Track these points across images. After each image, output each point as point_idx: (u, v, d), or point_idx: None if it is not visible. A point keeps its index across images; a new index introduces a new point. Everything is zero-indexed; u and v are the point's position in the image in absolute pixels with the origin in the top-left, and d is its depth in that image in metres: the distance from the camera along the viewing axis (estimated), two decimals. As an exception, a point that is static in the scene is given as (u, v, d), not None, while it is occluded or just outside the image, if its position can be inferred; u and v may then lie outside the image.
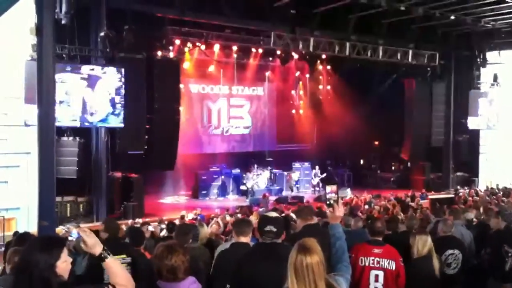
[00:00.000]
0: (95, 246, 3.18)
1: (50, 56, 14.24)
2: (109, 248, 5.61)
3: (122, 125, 17.25)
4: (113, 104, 17.07)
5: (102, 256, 3.19)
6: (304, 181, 25.59)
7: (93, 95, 16.83)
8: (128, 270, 5.53)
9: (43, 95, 14.10)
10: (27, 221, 14.59)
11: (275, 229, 4.13)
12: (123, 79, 17.12)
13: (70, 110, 16.47)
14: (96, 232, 7.91)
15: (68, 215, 17.26)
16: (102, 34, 16.78)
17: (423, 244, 5.69)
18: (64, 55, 16.31)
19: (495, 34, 23.32)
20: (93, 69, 16.84)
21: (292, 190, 24.11)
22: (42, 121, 14.14)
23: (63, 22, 15.42)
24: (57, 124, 14.57)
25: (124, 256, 5.59)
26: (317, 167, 25.14)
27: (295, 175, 24.63)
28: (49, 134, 14.25)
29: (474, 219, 9.36)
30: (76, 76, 16.51)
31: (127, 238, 7.65)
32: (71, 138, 16.67)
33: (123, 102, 17.17)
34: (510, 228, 7.55)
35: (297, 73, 27.31)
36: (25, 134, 15.42)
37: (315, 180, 24.55)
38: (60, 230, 14.17)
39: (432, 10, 19.37)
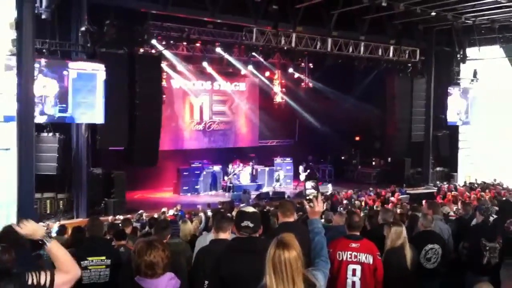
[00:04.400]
0: (35, 234, 3.31)
1: (30, 51, 14.16)
2: (90, 248, 5.64)
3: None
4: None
5: (41, 242, 3.32)
6: (286, 176, 25.67)
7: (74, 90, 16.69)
8: (107, 272, 5.56)
9: (23, 90, 14.01)
10: (7, 218, 14.43)
11: (251, 225, 4.15)
12: (104, 75, 17.00)
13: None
14: (78, 229, 7.90)
15: (48, 211, 17.13)
16: (83, 29, 16.62)
17: (397, 236, 5.74)
18: (44, 50, 16.13)
19: (475, 30, 23.52)
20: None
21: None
22: (21, 116, 14.05)
23: (43, 16, 15.29)
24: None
25: (103, 258, 5.59)
26: (304, 164, 25.22)
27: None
28: (28, 130, 14.18)
29: (452, 213, 9.48)
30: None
31: (107, 235, 7.66)
32: (51, 134, 16.52)
33: (104, 98, 17.04)
34: (488, 222, 7.67)
35: (279, 69, 27.36)
36: (4, 129, 15.23)
37: (302, 176, 24.54)
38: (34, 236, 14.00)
39: (413, 6, 19.48)
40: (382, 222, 7.10)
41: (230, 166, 24.15)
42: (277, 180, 24.39)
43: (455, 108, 25.73)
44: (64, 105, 16.64)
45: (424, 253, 6.41)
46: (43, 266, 5.96)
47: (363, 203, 16.72)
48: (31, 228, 3.30)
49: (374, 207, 14.93)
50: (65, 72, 16.60)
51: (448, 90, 25.50)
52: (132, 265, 3.54)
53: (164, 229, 6.03)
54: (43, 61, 16.18)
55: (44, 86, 16.22)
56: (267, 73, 26.98)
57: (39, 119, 16.09)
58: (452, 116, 25.75)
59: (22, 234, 3.28)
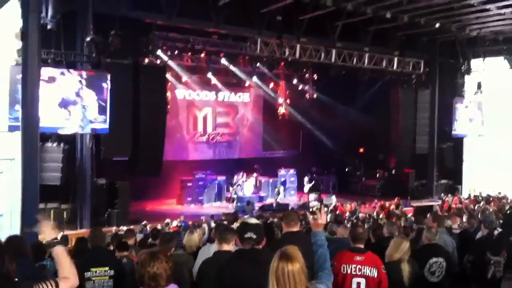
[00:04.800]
0: (48, 234, 3.71)
1: (35, 61, 14.21)
2: (94, 259, 5.63)
3: (107, 128, 17.21)
4: (99, 109, 17.02)
5: (52, 244, 3.59)
6: (290, 188, 25.62)
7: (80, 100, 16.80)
8: (110, 283, 5.54)
9: (28, 100, 14.05)
10: (10, 228, 14.46)
11: (255, 236, 4.12)
12: (109, 85, 17.07)
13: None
14: (81, 239, 7.90)
15: (52, 222, 17.08)
16: (88, 39, 16.68)
17: (395, 249, 5.70)
18: (49, 60, 16.20)
19: (479, 42, 23.56)
20: (80, 74, 16.80)
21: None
22: (26, 127, 14.08)
23: (48, 26, 15.37)
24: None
25: (107, 268, 5.57)
26: (309, 175, 25.23)
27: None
28: (33, 140, 14.20)
29: (456, 227, 9.42)
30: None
31: (111, 246, 7.64)
32: (55, 144, 16.57)
33: (108, 108, 17.10)
34: (493, 235, 7.62)
35: (283, 80, 27.38)
36: (9, 139, 15.29)
37: (306, 188, 24.51)
38: (44, 236, 14.05)
39: (417, 18, 19.55)
40: (388, 235, 7.06)
41: (235, 177, 24.11)
42: (278, 194, 24.30)
43: (459, 120, 25.67)
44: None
45: (428, 267, 6.35)
46: (47, 277, 5.95)
47: (367, 215, 16.66)
48: (47, 229, 3.69)
49: (379, 219, 14.87)
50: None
51: (453, 102, 25.45)
52: (136, 277, 3.54)
53: (169, 241, 6.03)
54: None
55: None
56: (271, 84, 26.99)
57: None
58: (457, 128, 25.69)
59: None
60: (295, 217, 5.36)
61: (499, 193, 21.67)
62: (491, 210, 14.19)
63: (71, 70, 16.47)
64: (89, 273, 5.46)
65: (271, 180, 25.11)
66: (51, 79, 16.04)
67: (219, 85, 24.98)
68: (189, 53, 21.70)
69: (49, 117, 15.65)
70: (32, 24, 14.06)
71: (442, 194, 24.52)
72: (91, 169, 17.55)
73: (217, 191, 23.61)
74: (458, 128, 25.69)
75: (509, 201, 19.84)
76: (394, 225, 7.68)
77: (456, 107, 25.66)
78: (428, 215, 9.47)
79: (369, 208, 19.08)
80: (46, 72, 15.65)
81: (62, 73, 16.30)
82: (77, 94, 16.52)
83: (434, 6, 18.40)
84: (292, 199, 24.90)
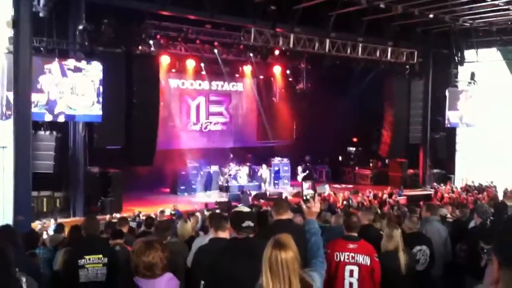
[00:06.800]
0: None
1: (27, 49, 14.15)
2: (87, 247, 5.63)
3: (100, 117, 17.14)
4: (92, 98, 16.96)
5: None
6: (284, 177, 25.64)
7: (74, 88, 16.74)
8: (104, 271, 5.54)
9: (20, 88, 13.99)
10: (3, 216, 14.40)
11: (252, 224, 4.12)
12: (102, 73, 16.99)
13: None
14: (76, 227, 7.89)
15: (45, 210, 17.09)
16: (80, 27, 16.57)
17: (387, 239, 5.73)
18: (41, 48, 16.09)
19: (473, 33, 23.57)
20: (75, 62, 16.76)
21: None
22: (19, 115, 14.03)
23: (40, 14, 15.26)
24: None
25: (100, 256, 5.56)
26: (303, 164, 25.26)
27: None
28: (25, 128, 14.16)
29: (449, 215, 9.47)
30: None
31: (104, 234, 7.64)
32: (48, 132, 16.49)
33: (101, 96, 17.03)
34: (486, 224, 7.66)
35: (277, 69, 27.31)
36: (1, 127, 15.19)
37: (300, 176, 24.55)
38: (36, 225, 14.06)
39: (411, 8, 19.49)
40: (367, 223, 7.09)
41: (230, 165, 24.09)
42: (264, 182, 24.16)
43: (453, 110, 25.73)
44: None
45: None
46: (38, 265, 5.95)
47: (359, 204, 16.74)
48: None
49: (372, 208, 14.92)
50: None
51: (446, 92, 25.49)
52: (131, 265, 3.52)
53: (166, 230, 6.02)
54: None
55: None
56: (265, 74, 26.93)
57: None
58: (450, 118, 25.75)
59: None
60: (285, 204, 5.35)
61: (491, 182, 21.79)
62: (484, 199, 14.28)
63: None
64: (82, 260, 5.45)
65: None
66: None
67: (212, 75, 24.90)
68: (183, 42, 21.61)
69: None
70: (24, 12, 13.97)
71: (435, 184, 24.64)
72: (84, 158, 17.53)
73: (210, 180, 23.63)
74: (449, 118, 25.75)
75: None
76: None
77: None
78: (421, 204, 9.52)
79: (362, 197, 19.13)
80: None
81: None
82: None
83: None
84: (285, 188, 24.91)
